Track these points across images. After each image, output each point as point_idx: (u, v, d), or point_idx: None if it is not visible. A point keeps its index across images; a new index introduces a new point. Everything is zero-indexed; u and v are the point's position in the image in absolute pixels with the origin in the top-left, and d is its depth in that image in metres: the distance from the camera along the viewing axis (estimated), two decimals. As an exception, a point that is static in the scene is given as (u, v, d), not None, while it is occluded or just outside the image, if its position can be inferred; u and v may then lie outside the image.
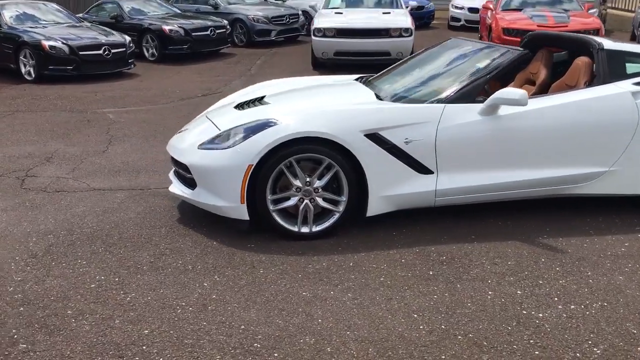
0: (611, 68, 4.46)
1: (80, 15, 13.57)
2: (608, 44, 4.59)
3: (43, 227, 4.34)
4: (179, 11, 14.49)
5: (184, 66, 12.29)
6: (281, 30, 14.94)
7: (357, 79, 5.36)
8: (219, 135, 4.19)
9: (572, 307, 3.28)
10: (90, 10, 14.58)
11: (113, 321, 3.15)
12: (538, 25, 11.05)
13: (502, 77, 4.67)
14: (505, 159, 4.22)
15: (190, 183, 4.27)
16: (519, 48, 4.58)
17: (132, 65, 11.50)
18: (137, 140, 6.72)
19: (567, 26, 10.97)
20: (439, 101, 4.21)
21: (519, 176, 4.25)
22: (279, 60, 13.03)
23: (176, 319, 3.18)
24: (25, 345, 2.94)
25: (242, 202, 3.98)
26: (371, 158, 4.01)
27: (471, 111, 4.17)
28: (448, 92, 4.27)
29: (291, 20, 15.20)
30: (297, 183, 4.01)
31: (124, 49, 11.23)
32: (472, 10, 17.75)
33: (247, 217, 4.03)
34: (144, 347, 2.93)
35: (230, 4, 15.56)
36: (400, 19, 11.17)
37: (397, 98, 4.44)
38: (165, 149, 6.22)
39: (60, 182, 5.31)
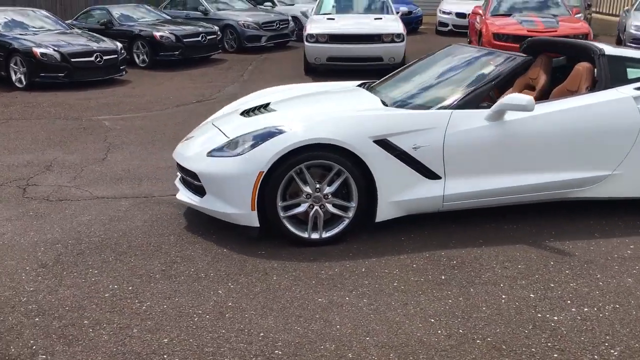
0: (612, 73, 4.53)
1: (69, 22, 13.48)
2: (609, 49, 4.67)
3: (50, 236, 4.31)
4: (168, 17, 14.46)
5: (176, 72, 12.26)
6: (271, 36, 14.96)
7: (359, 85, 5.40)
8: (228, 142, 4.20)
9: (586, 309, 3.33)
10: (78, 17, 14.50)
11: (131, 330, 3.14)
12: (528, 30, 11.17)
13: (506, 83, 4.73)
14: (511, 163, 4.27)
15: (199, 190, 4.26)
16: (521, 54, 4.64)
17: (124, 72, 11.45)
18: (136, 148, 6.69)
19: (556, 31, 11.10)
20: (446, 107, 4.25)
21: (525, 180, 4.30)
22: (270, 66, 13.04)
23: (194, 327, 3.17)
24: (45, 356, 2.92)
25: (252, 209, 3.99)
26: (380, 164, 4.04)
27: (478, 117, 4.21)
28: (454, 98, 4.31)
29: (281, 26, 15.22)
30: (307, 189, 4.03)
31: (116, 56, 11.18)
32: (460, 15, 17.91)
33: (257, 224, 4.04)
34: (165, 356, 2.92)
35: (219, 10, 15.55)
36: (392, 24, 11.24)
37: (403, 104, 4.48)
38: (166, 157, 6.26)
39: (62, 191, 5.28)
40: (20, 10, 12.20)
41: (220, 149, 4.19)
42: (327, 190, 4.05)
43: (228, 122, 4.65)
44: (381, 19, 11.64)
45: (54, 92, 10.15)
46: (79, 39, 11.34)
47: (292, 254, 4.01)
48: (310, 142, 3.91)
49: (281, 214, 4.03)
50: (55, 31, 11.69)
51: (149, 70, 12.53)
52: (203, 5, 15.48)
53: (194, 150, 4.41)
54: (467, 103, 4.25)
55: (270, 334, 3.11)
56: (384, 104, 4.55)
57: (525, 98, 4.07)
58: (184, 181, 4.58)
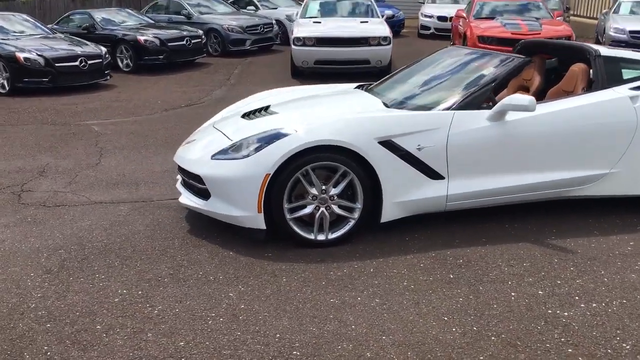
0: (608, 74, 4.62)
1: (50, 26, 13.32)
2: (604, 50, 4.76)
3: (51, 242, 4.26)
4: (152, 21, 14.36)
5: (161, 76, 12.19)
6: (256, 39, 14.95)
7: (357, 87, 5.42)
8: (232, 145, 4.19)
9: (594, 305, 3.38)
10: (60, 21, 14.34)
11: (145, 335, 3.11)
12: (512, 33, 11.34)
13: (505, 83, 4.79)
14: (513, 163, 4.32)
15: (203, 194, 4.25)
16: (520, 55, 4.70)
17: (109, 77, 11.36)
18: (129, 152, 6.64)
19: (539, 34, 11.27)
20: (449, 108, 4.29)
21: (526, 180, 4.36)
22: (256, 69, 13.03)
23: (209, 330, 3.16)
24: (60, 362, 2.89)
25: (259, 211, 3.98)
26: (385, 165, 4.06)
27: (479, 117, 4.26)
28: (456, 99, 4.35)
29: (265, 30, 15.22)
30: (314, 191, 4.04)
31: (100, 60, 11.09)
32: (441, 18, 18.08)
33: (264, 226, 4.04)
34: (183, 359, 2.91)
35: (202, 14, 15.49)
36: (379, 27, 11.31)
37: (404, 105, 4.52)
38: (160, 161, 6.23)
39: (58, 196, 5.22)
40: (1, 15, 12.03)
41: (224, 151, 4.18)
42: (333, 191, 4.06)
43: (230, 125, 4.65)
44: (367, 22, 11.71)
45: (38, 98, 10.02)
46: (62, 44, 11.22)
47: (299, 256, 4.01)
48: (317, 143, 3.92)
49: (287, 215, 4.03)
50: (38, 36, 11.57)
51: (133, 75, 12.44)
52: (186, 9, 15.41)
53: (197, 153, 4.40)
54: (469, 104, 4.30)
55: (287, 335, 3.11)
56: (385, 105, 4.58)
57: (527, 98, 4.13)
58: (186, 184, 4.55)
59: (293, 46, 11.04)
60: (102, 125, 8.06)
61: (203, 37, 13.72)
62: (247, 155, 4.01)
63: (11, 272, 3.80)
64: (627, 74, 4.70)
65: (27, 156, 6.52)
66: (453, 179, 4.24)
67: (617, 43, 13.60)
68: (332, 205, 4.09)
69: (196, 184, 4.31)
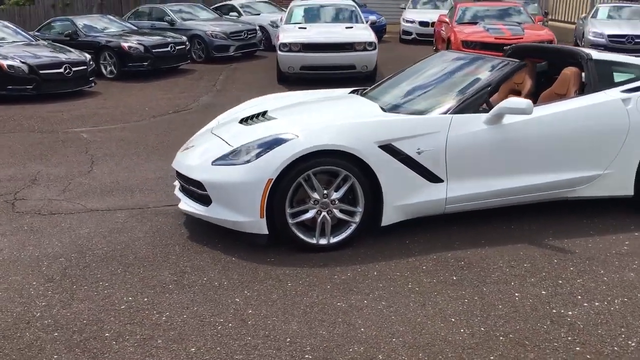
0: (600, 77, 4.71)
1: (32, 33, 13.17)
2: (596, 54, 4.85)
3: (51, 250, 4.22)
4: (134, 28, 14.28)
5: (146, 83, 12.12)
6: (240, 45, 14.93)
7: (352, 92, 5.46)
8: (233, 151, 4.20)
9: (597, 304, 3.45)
10: (41, 28, 14.21)
11: (155, 341, 3.10)
12: (495, 38, 11.49)
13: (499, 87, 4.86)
14: (510, 165, 4.39)
15: (203, 200, 4.24)
16: (514, 59, 4.78)
17: (93, 84, 11.28)
18: (121, 159, 6.59)
19: (522, 38, 11.43)
20: (446, 112, 4.35)
21: (523, 182, 4.43)
22: (241, 75, 13.02)
23: (219, 335, 3.16)
24: (72, 371, 2.87)
25: (261, 216, 3.99)
26: (386, 169, 4.10)
27: (477, 120, 4.32)
28: (454, 102, 4.41)
29: (249, 36, 15.21)
30: (315, 195, 4.06)
31: (85, 67, 11.01)
32: (423, 24, 18.23)
33: (266, 231, 4.04)
34: (196, 365, 2.91)
35: (185, 20, 15.45)
36: (364, 33, 11.37)
37: (402, 110, 4.56)
38: (153, 167, 6.21)
39: (53, 204, 5.17)
40: (-18, 22, 11.90)
41: (225, 157, 4.18)
42: (335, 195, 4.09)
43: (228, 130, 4.65)
44: (352, 27, 11.77)
45: (22, 105, 9.90)
46: (45, 51, 11.12)
47: (302, 260, 4.02)
48: (319, 148, 3.95)
49: (290, 220, 4.04)
50: (20, 43, 11.45)
51: (117, 82, 12.34)
52: (169, 16, 15.35)
53: (197, 159, 4.39)
54: (467, 107, 4.36)
55: (297, 339, 3.12)
56: (382, 109, 4.62)
57: (524, 102, 4.20)
58: (185, 190, 4.55)
59: (279, 52, 11.05)
60: (90, 132, 8.00)
61: (187, 43, 13.68)
62: (249, 161, 4.02)
63: (12, 281, 3.76)
64: (618, 77, 4.80)
65: (17, 164, 6.45)
66: (452, 182, 4.29)
67: (596, 47, 13.85)
68: (334, 210, 4.12)
69: (196, 190, 4.30)
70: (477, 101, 4.40)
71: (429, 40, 17.16)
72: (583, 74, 4.86)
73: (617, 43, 13.83)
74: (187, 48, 13.69)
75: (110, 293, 3.61)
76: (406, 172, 4.16)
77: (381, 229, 4.27)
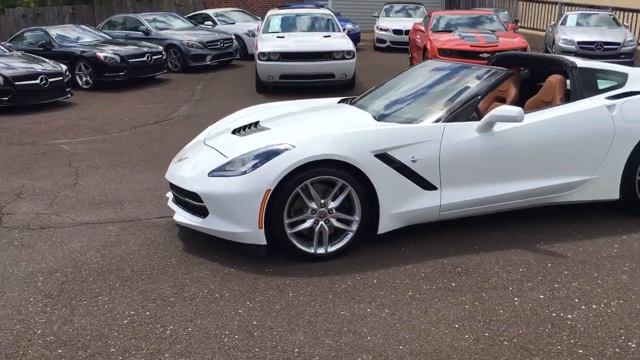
0: (585, 84, 4.83)
1: (4, 44, 12.95)
2: (580, 62, 4.98)
3: (45, 265, 4.16)
4: (109, 37, 14.14)
5: (123, 93, 12.01)
6: (216, 54, 14.89)
7: (340, 101, 5.50)
8: (229, 162, 4.19)
9: (594, 306, 3.53)
10: (13, 38, 13.98)
11: (163, 355, 3.08)
12: (471, 46, 11.68)
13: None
14: (502, 172, 4.47)
15: (200, 211, 4.23)
16: (502, 68, 4.87)
17: (70, 95, 11.13)
18: (106, 171, 6.53)
19: (497, 46, 11.63)
20: (438, 120, 4.41)
21: (514, 188, 4.51)
22: (219, 84, 12.98)
23: (226, 347, 3.15)
24: (81, 388, 2.83)
25: (260, 227, 4.00)
26: (382, 177, 4.14)
27: (469, 128, 4.40)
28: (446, 111, 4.48)
29: (225, 45, 15.18)
30: (313, 205, 4.08)
31: (61, 78, 10.87)
32: (397, 32, 18.41)
33: (264, 242, 4.05)
34: (206, 379, 2.90)
35: (160, 29, 15.35)
36: (342, 41, 11.46)
37: (395, 118, 4.62)
38: (140, 179, 6.16)
39: (42, 218, 5.09)
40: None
41: (221, 168, 4.18)
42: (332, 205, 4.11)
43: (222, 141, 4.64)
44: (330, 36, 11.84)
45: (-2, 117, 9.74)
46: (20, 62, 10.97)
47: (301, 270, 4.04)
48: (317, 158, 3.97)
49: (288, 230, 4.06)
50: (-6, 54, 11.25)
51: (93, 92, 12.21)
52: (144, 25, 15.24)
53: (191, 171, 4.38)
54: (458, 115, 4.43)
55: (305, 349, 3.13)
56: (375, 118, 4.67)
57: (516, 109, 4.29)
58: (179, 202, 4.52)
59: (258, 61, 11.06)
60: (71, 144, 7.89)
61: (164, 53, 13.59)
62: (246, 172, 4.03)
63: (8, 298, 3.70)
64: (601, 84, 4.93)
65: (0, 178, 6.34)
66: (445, 189, 4.35)
67: (566, 53, 14.17)
68: (331, 219, 4.14)
69: (192, 202, 4.29)
70: (468, 109, 4.48)
71: (402, 48, 17.35)
72: (568, 82, 4.98)
73: (586, 49, 14.16)
74: (164, 58, 13.60)
75: (111, 307, 3.57)
76: (401, 181, 4.21)
77: (377, 237, 4.31)
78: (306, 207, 4.09)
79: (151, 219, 5.04)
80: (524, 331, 3.28)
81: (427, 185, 4.30)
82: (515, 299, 3.64)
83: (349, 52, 11.11)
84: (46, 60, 11.32)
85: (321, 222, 4.12)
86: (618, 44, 14.19)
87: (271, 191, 3.94)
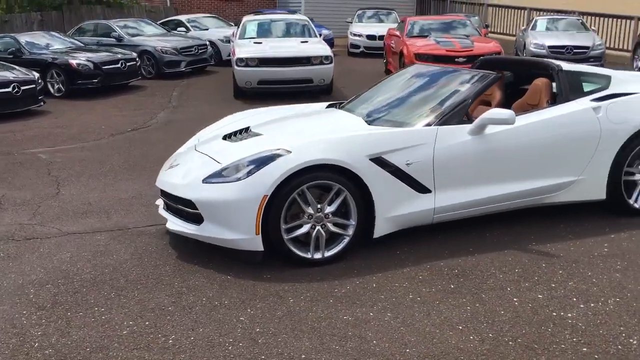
0: (570, 87, 4.91)
1: (-29, 51, 12.65)
2: (565, 65, 5.06)
3: (35, 277, 4.05)
4: (81, 44, 13.92)
5: (96, 101, 11.81)
6: (191, 61, 14.76)
7: (329, 106, 5.50)
8: (224, 168, 4.15)
9: (592, 305, 3.58)
10: (-20, 46, 13.64)
11: (167, 366, 3.03)
12: (447, 50, 11.81)
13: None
14: (494, 174, 4.51)
15: (194, 218, 4.17)
16: (491, 72, 4.92)
17: (42, 103, 10.91)
18: (87, 180, 6.40)
19: (472, 50, 11.79)
20: (430, 124, 4.44)
21: (505, 189, 4.56)
22: (195, 91, 12.86)
23: (231, 356, 3.11)
24: (86, 401, 2.76)
25: (257, 233, 3.96)
26: (377, 181, 4.14)
27: (461, 131, 4.43)
28: (438, 114, 4.50)
29: (200, 51, 15.06)
30: (310, 210, 4.06)
31: (34, 86, 10.65)
32: (370, 37, 18.51)
33: (261, 248, 4.01)
34: (215, 388, 2.85)
35: (132, 36, 15.17)
36: (320, 47, 11.47)
37: (386, 122, 4.63)
38: (124, 187, 6.07)
39: (26, 229, 4.97)
40: None
41: (216, 175, 4.13)
42: (328, 209, 4.10)
43: (213, 147, 4.60)
44: (307, 42, 11.85)
45: (-31, 126, 9.49)
46: (-10, 70, 10.70)
47: (298, 275, 4.01)
48: (313, 163, 3.96)
49: (285, 236, 4.03)
50: (-37, 62, 10.97)
51: (66, 100, 11.97)
52: (116, 32, 15.04)
53: (185, 178, 4.32)
54: (450, 119, 4.46)
55: (312, 355, 3.10)
56: (367, 122, 4.67)
57: (507, 112, 4.34)
58: (171, 209, 4.46)
59: (235, 67, 11.00)
60: (48, 153, 7.73)
61: (137, 59, 13.43)
62: (242, 178, 3.99)
63: (0, 312, 3.59)
64: (586, 86, 5.02)
65: (-23, 188, 6.16)
66: (439, 192, 4.37)
67: (537, 57, 14.41)
68: (328, 224, 4.12)
69: (186, 209, 4.23)
70: (460, 112, 4.51)
71: (377, 53, 17.47)
72: (554, 85, 5.06)
73: (557, 53, 14.41)
74: (138, 64, 13.43)
75: (109, 318, 3.49)
76: (396, 184, 4.22)
77: (372, 241, 4.30)
78: (302, 212, 4.06)
79: (140, 227, 4.95)
80: (527, 331, 3.30)
81: (422, 189, 4.32)
82: (515, 299, 3.66)
83: (326, 57, 11.13)
84: (16, 67, 11.08)
85: (318, 227, 4.11)
86: (587, 47, 14.49)
87: (268, 197, 3.91)
